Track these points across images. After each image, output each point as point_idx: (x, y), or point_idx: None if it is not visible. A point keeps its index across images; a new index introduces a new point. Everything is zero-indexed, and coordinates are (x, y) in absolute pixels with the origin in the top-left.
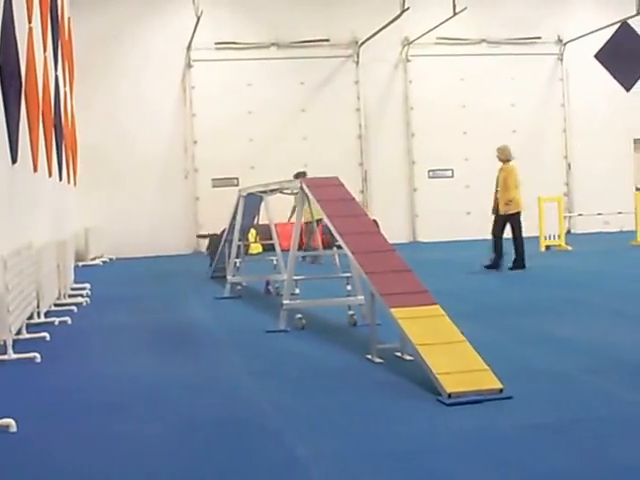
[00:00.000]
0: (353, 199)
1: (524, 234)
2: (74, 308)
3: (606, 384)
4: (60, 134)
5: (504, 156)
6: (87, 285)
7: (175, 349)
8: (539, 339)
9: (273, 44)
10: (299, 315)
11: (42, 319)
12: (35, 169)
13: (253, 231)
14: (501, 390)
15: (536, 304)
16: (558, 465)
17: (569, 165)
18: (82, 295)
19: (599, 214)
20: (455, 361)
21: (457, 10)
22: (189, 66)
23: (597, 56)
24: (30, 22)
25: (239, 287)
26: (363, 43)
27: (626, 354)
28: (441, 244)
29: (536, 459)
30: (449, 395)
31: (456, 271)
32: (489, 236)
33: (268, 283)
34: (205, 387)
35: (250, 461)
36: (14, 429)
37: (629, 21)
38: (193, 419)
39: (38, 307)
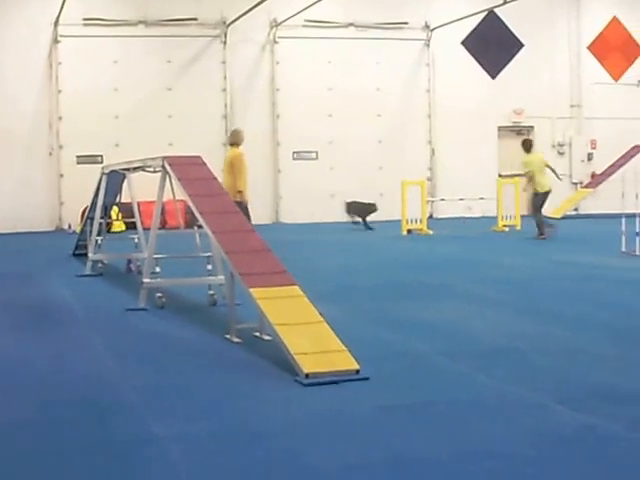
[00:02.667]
0: (215, 178)
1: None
2: None
3: (462, 367)
4: None
5: (233, 139)
6: None
7: (33, 327)
8: (398, 321)
9: (141, 22)
10: (159, 294)
11: None
12: None
13: (116, 209)
14: (358, 371)
15: (396, 287)
16: (413, 446)
17: (433, 150)
18: None
19: (461, 199)
20: (313, 341)
21: None
22: (56, 42)
23: (464, 43)
24: None
25: (100, 265)
26: (231, 23)
27: (482, 338)
28: (305, 226)
29: (392, 440)
30: (306, 375)
31: (319, 252)
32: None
33: (130, 261)
34: (63, 365)
35: (108, 440)
36: None
37: (496, 10)
38: (50, 397)
39: None
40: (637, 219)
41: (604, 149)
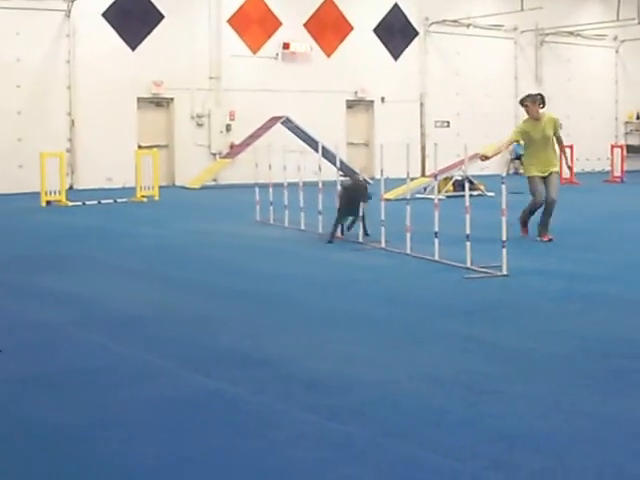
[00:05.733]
0: None
1: None
2: None
3: (96, 336)
4: None
5: None
6: None
7: None
8: (33, 293)
9: None
10: None
11: None
12: None
13: None
14: None
15: (33, 259)
16: (46, 417)
17: (73, 121)
18: None
19: (102, 171)
20: None
21: None
22: None
23: (105, 14)
24: None
25: None
26: None
27: (116, 307)
28: None
29: (23, 411)
30: None
31: None
32: None
33: None
34: None
35: None
36: None
37: None
38: None
39: None
40: (270, 189)
41: (242, 120)
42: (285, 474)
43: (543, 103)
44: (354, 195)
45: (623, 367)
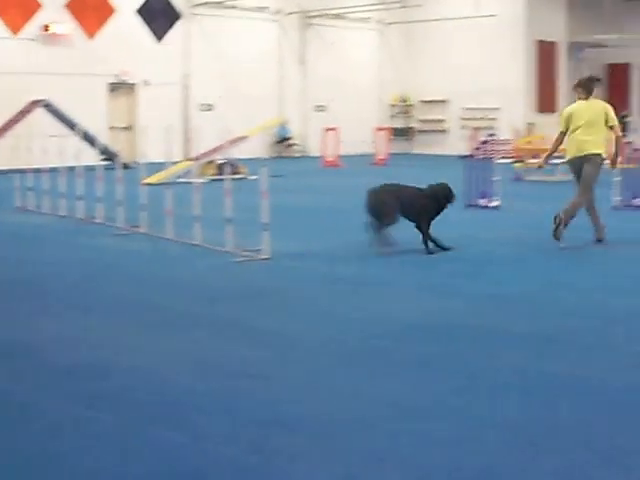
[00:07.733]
0: None
1: None
2: None
3: None
4: None
5: None
6: None
7: None
8: None
9: None
10: None
11: None
12: None
13: None
14: None
15: None
16: None
17: None
18: None
19: None
20: None
21: None
22: None
23: None
24: None
25: None
26: None
27: None
28: None
29: None
30: None
31: None
32: None
33: None
34: None
35: None
36: None
37: None
38: None
39: None
40: (30, 174)
41: (1, 104)
42: (43, 465)
43: (584, 88)
44: (443, 202)
45: (384, 347)
